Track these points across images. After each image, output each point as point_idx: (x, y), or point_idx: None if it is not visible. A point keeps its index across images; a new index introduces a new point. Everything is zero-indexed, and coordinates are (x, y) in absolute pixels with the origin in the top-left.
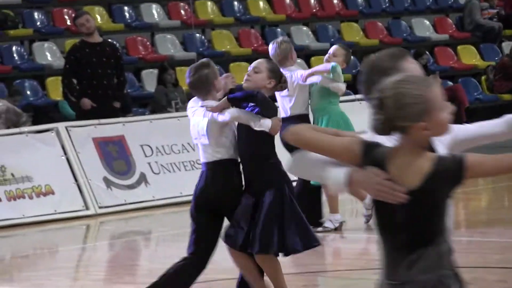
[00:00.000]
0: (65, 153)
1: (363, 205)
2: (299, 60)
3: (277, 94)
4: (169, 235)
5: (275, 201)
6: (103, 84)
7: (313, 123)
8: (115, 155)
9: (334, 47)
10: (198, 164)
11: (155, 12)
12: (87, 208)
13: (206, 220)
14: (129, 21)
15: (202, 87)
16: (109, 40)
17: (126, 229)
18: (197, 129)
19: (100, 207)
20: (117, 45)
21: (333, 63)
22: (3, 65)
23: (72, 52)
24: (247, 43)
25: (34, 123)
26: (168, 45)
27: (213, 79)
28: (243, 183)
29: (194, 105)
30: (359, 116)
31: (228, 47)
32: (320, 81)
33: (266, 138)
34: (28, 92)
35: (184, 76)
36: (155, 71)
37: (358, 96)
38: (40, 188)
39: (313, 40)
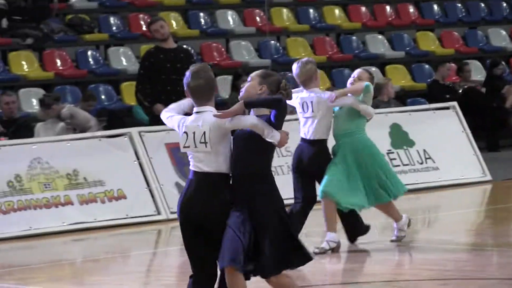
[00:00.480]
0: (138, 158)
1: (396, 225)
2: (374, 68)
3: (300, 114)
4: None
5: (278, 221)
6: (177, 90)
7: (335, 150)
8: (187, 161)
9: (358, 70)
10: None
11: (230, 19)
12: (159, 213)
13: (193, 237)
14: (204, 27)
15: (207, 92)
16: (184, 46)
17: None
18: (192, 136)
19: (171, 212)
20: (192, 51)
21: (366, 82)
22: (79, 69)
23: (147, 57)
24: (322, 51)
25: (108, 127)
26: (243, 52)
27: (216, 84)
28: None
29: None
30: (432, 125)
31: (303, 54)
32: (351, 103)
33: (269, 152)
34: (103, 97)
35: None
36: (229, 77)
37: (432, 105)
38: (112, 193)
39: (388, 48)
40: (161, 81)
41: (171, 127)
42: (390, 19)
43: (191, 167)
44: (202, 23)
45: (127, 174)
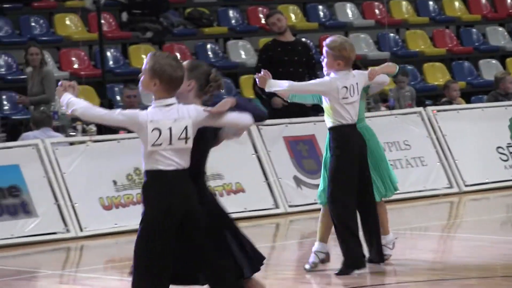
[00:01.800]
0: (256, 152)
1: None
2: (494, 61)
3: (342, 100)
4: None
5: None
6: None
7: None
8: (305, 154)
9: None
10: (390, 164)
11: (349, 11)
12: (277, 207)
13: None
14: (323, 20)
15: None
16: (302, 39)
17: (315, 228)
18: (168, 132)
19: (290, 206)
20: (310, 43)
21: (397, 65)
22: None
23: (265, 51)
24: (441, 43)
25: None
26: (362, 45)
27: None
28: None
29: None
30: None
31: (422, 47)
32: (387, 82)
33: (207, 153)
34: (222, 90)
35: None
36: None
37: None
38: (230, 186)
39: (509, 41)
40: (278, 74)
41: (118, 124)
42: (511, 10)
43: (158, 166)
44: (321, 15)
45: (246, 168)
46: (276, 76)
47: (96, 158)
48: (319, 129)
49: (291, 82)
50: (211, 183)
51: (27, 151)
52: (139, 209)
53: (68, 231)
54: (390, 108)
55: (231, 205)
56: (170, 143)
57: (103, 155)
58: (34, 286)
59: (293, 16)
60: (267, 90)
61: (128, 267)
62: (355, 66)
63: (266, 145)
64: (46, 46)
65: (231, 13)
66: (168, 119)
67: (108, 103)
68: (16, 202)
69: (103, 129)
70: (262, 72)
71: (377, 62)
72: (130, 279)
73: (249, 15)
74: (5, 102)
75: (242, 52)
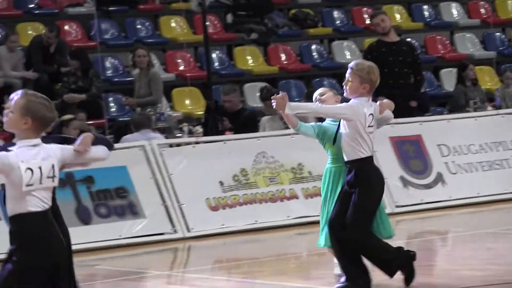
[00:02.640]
0: None
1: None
2: None
3: (368, 128)
4: (466, 236)
5: None
6: (399, 83)
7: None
8: (411, 155)
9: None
10: (497, 164)
11: (454, 11)
12: (384, 207)
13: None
14: (428, 20)
15: None
16: (407, 39)
17: (422, 228)
18: (39, 172)
19: (396, 206)
20: (415, 43)
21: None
22: (303, 64)
23: (369, 51)
24: None
25: None
26: (468, 44)
27: None
28: None
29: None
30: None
31: None
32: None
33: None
34: None
35: (484, 75)
36: (454, 70)
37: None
38: None
39: None
40: (383, 75)
41: None
42: None
43: (29, 208)
44: (426, 15)
45: None
46: (381, 77)
47: (203, 159)
48: (425, 129)
49: (318, 104)
50: (317, 184)
51: (134, 153)
52: (245, 210)
53: (175, 231)
54: (496, 107)
55: None
56: (41, 182)
57: (209, 156)
58: (142, 287)
59: (398, 16)
60: (287, 112)
61: (236, 267)
62: (463, 66)
63: (374, 145)
64: (152, 48)
65: (335, 13)
66: (37, 158)
67: (214, 104)
68: (123, 203)
69: (210, 130)
70: (280, 94)
71: (483, 61)
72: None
73: (354, 16)
74: (112, 104)
75: (347, 52)
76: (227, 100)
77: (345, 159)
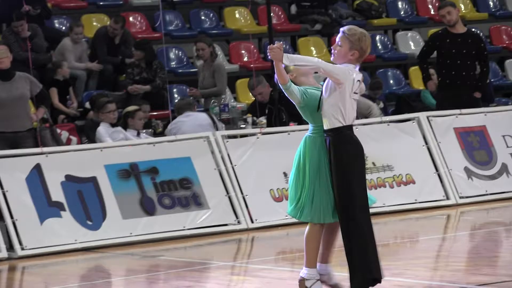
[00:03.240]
0: (426, 143)
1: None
2: None
3: (353, 94)
4: None
5: None
6: (462, 75)
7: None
8: (476, 146)
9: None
10: None
11: None
12: (448, 198)
13: None
14: (493, 10)
15: None
16: (473, 30)
17: (487, 219)
18: None
19: (460, 197)
20: (481, 35)
21: None
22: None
23: (433, 39)
24: None
25: (396, 112)
26: None
27: None
28: None
29: None
30: None
31: None
32: None
33: None
34: (391, 82)
35: None
36: None
37: None
38: (401, 177)
39: None
40: (446, 66)
41: None
42: None
43: None
44: (491, 6)
45: (416, 159)
46: (444, 68)
47: (266, 150)
48: (490, 120)
49: (319, 59)
50: (381, 175)
51: (199, 144)
52: None
53: (239, 222)
54: None
55: (401, 196)
56: None
57: (273, 147)
58: (206, 277)
59: (462, 7)
60: (284, 63)
61: (299, 258)
62: None
63: (436, 136)
64: (216, 39)
65: (400, 4)
66: None
67: (278, 95)
68: (187, 194)
69: (273, 121)
70: (275, 43)
71: None
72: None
73: (418, 6)
74: (176, 95)
75: (411, 43)
76: (257, 93)
77: (324, 127)
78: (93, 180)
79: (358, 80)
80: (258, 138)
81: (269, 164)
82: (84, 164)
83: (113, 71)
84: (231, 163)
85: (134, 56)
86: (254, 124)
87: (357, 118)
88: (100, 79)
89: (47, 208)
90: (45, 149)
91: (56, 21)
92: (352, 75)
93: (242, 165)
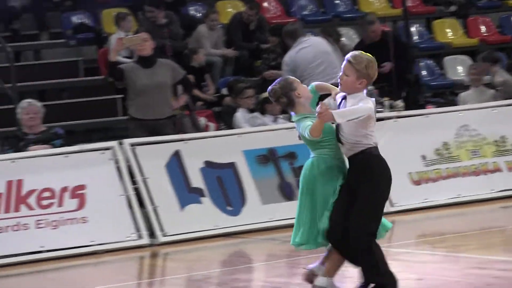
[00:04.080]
0: None
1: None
2: None
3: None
4: None
5: None
6: None
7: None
8: None
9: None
10: None
11: None
12: None
13: None
14: None
15: None
16: None
17: None
18: None
19: None
20: None
21: None
22: (503, 35)
23: None
24: None
25: None
26: None
27: None
28: None
29: None
30: None
31: None
32: None
33: None
34: None
35: None
36: None
37: None
38: None
39: None
40: None
41: None
42: None
43: None
44: None
45: None
46: None
47: (404, 134)
48: None
49: (363, 106)
50: None
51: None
52: (448, 184)
53: None
54: None
55: None
56: None
57: (411, 130)
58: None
59: None
60: (339, 121)
61: (440, 242)
62: None
63: None
64: (350, 23)
65: None
66: None
67: (414, 78)
68: None
69: (411, 104)
70: (320, 107)
71: None
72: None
73: None
74: None
75: None
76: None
77: (345, 153)
78: (232, 166)
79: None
80: (395, 121)
81: (407, 148)
82: (223, 150)
83: (248, 57)
84: None
85: (270, 42)
86: (391, 108)
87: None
88: (236, 65)
89: (187, 194)
90: (185, 136)
91: (190, 8)
92: (370, 103)
93: (381, 149)
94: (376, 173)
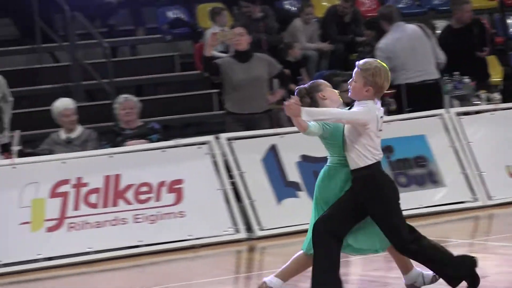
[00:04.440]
0: None
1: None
2: None
3: (378, 132)
4: None
5: None
6: None
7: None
8: None
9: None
10: None
11: None
12: None
13: None
14: None
15: None
16: None
17: None
18: None
19: None
20: None
21: None
22: None
23: None
24: None
25: None
26: None
27: None
28: None
29: None
30: None
31: None
32: None
33: None
34: None
35: None
36: None
37: None
38: None
39: None
40: None
41: None
42: None
43: None
44: None
45: None
46: None
47: (502, 126)
48: None
49: (338, 110)
50: None
51: (433, 121)
52: None
53: (476, 200)
54: None
55: None
56: None
57: (508, 123)
58: None
59: None
60: (304, 119)
61: None
62: None
63: None
64: (446, 15)
65: None
66: None
67: (510, 70)
68: (423, 172)
69: (508, 96)
70: (291, 100)
71: None
72: None
73: None
74: None
75: None
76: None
77: (350, 167)
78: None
79: (381, 117)
80: (493, 114)
81: (504, 141)
82: (319, 144)
83: (343, 50)
84: (466, 140)
85: (365, 35)
86: (488, 100)
87: None
88: (332, 58)
89: (283, 188)
90: (280, 130)
91: (285, 2)
92: (374, 112)
93: (477, 142)
94: (385, 192)
